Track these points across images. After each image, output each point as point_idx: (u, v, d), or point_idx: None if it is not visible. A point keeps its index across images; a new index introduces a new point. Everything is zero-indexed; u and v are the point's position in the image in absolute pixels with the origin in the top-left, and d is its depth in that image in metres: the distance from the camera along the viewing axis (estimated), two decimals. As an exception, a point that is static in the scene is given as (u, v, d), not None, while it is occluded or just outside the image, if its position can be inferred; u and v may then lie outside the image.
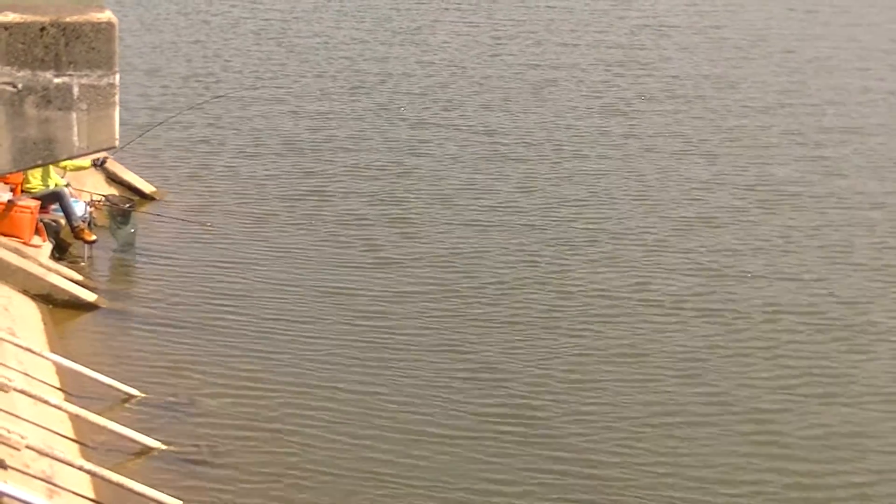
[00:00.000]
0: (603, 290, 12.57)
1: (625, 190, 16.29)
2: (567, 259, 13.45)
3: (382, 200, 15.34)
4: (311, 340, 10.96)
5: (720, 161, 18.07)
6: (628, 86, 23.24)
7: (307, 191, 15.72)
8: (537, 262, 13.31)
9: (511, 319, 11.64)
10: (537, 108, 21.13)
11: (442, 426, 9.52)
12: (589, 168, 17.39)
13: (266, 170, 16.68)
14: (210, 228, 13.93)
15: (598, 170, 17.30)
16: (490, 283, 12.57)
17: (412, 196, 15.61)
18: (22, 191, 12.66)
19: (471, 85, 22.84)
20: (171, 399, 9.62)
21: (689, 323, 11.78)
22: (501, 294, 12.30)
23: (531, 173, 16.97)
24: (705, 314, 12.00)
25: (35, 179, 12.72)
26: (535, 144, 18.62)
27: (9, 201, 12.22)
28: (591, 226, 14.68)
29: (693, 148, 18.80)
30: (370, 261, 13.08)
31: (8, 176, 12.00)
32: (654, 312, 12.02)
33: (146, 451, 8.81)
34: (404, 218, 14.66)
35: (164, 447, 8.83)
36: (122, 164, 15.30)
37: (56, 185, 12.85)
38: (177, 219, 14.01)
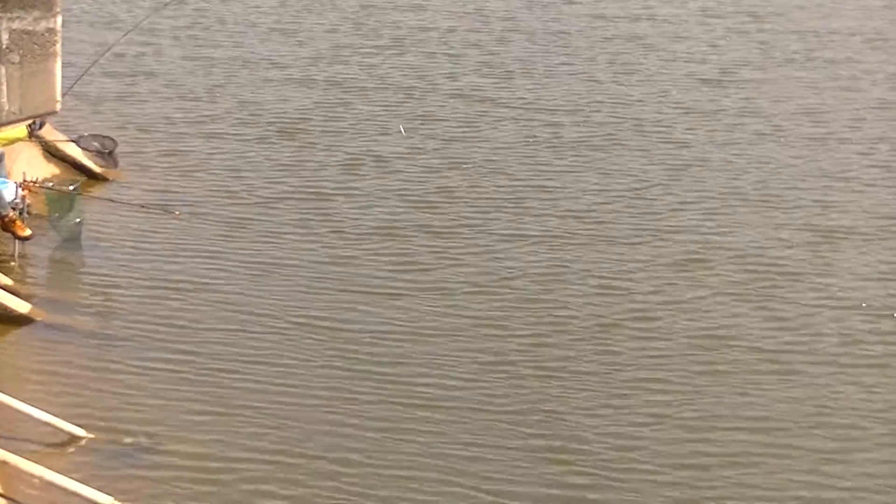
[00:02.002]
0: (729, 329, 12.17)
1: (755, 191, 16.00)
2: (679, 288, 13.10)
3: (418, 203, 15.24)
4: (306, 382, 10.88)
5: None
6: (752, 46, 22.73)
7: (314, 186, 15.68)
8: (634, 291, 13.02)
9: (593, 369, 11.34)
10: (628, 75, 20.91)
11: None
12: (701, 159, 17.16)
13: (260, 155, 16.75)
14: (180, 218, 14.07)
15: (712, 162, 17.05)
16: (567, 321, 12.30)
17: (459, 198, 15.46)
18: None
19: (535, 44, 22.66)
20: (127, 442, 9.77)
21: (874, 388, 11.23)
22: (582, 334, 12.03)
23: (623, 168, 16.76)
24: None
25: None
26: (624, 125, 18.47)
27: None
28: (708, 240, 14.37)
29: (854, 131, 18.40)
30: (399, 284, 12.93)
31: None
32: (819, 364, 11.57)
33: (95, 509, 8.88)
34: (448, 228, 14.51)
35: (116, 504, 8.92)
36: (65, 133, 15.31)
37: None
38: (136, 206, 14.13)
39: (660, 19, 24.84)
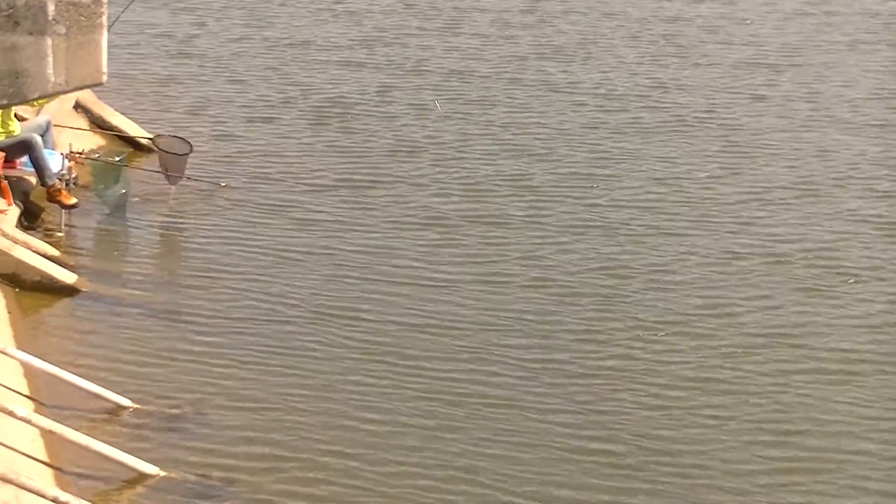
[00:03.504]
0: (797, 327, 11.82)
1: (824, 182, 15.71)
2: (743, 283, 12.76)
3: (471, 191, 15.07)
4: (347, 370, 10.82)
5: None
6: (818, 28, 22.39)
7: (365, 172, 15.60)
8: (696, 285, 12.69)
9: (651, 368, 10.98)
10: (690, 58, 20.99)
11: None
12: (767, 146, 16.92)
13: (311, 138, 16.79)
14: (225, 189, 14.43)
15: (779, 150, 16.80)
16: (624, 316, 11.97)
17: (514, 186, 15.29)
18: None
19: (593, 26, 22.55)
20: (173, 412, 9.97)
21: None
22: (639, 331, 11.67)
23: (685, 156, 16.59)
24: None
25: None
26: (686, 111, 18.28)
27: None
28: (775, 233, 14.08)
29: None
30: (447, 276, 12.74)
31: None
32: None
33: (140, 478, 9.08)
34: (501, 217, 14.33)
35: (162, 474, 9.13)
36: (110, 104, 15.70)
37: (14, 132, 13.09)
38: (181, 177, 14.33)
39: (722, 1, 24.65)
